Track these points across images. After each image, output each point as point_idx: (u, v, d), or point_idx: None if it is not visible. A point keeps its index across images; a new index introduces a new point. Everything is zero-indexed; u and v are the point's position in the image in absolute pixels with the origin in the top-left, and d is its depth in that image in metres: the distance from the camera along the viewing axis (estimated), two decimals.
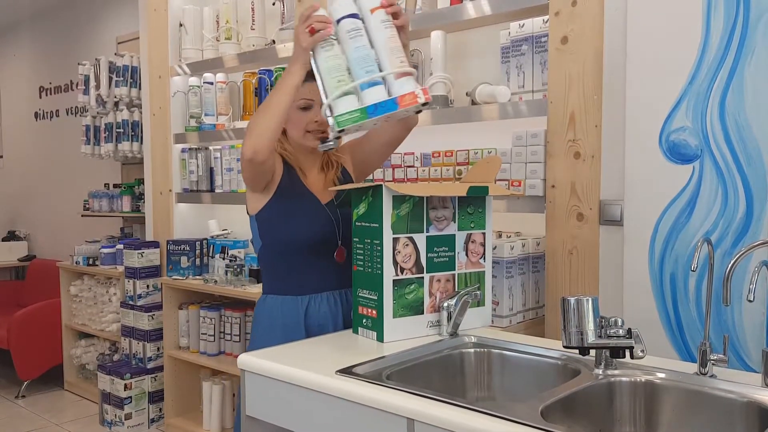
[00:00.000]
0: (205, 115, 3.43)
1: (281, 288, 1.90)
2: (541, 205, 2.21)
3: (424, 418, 1.24)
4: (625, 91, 2.00)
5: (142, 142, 4.21)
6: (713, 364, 1.39)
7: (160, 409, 3.70)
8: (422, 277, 1.76)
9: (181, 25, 3.58)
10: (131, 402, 3.63)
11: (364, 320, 1.75)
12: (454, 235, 1.81)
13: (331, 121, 1.59)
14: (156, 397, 3.69)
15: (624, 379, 1.45)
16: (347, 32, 1.62)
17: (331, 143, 1.75)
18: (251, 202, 1.93)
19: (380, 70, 1.61)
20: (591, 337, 1.44)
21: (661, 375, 1.44)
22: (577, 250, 2.13)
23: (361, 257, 1.76)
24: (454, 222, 1.81)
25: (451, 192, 1.81)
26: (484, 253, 1.87)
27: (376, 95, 1.58)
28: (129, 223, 4.71)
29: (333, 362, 1.50)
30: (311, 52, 1.65)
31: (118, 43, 4.95)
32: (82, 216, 4.97)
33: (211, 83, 3.39)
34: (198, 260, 3.48)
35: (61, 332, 4.39)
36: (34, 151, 6.14)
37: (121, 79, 4.25)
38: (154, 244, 3.72)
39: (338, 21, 1.63)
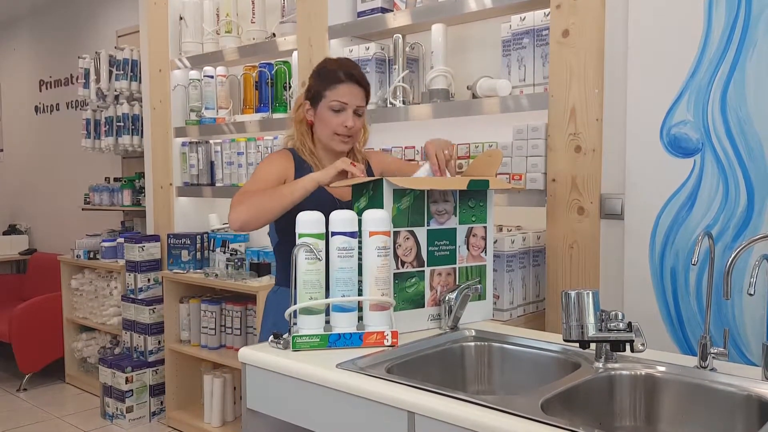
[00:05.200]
0: (206, 108, 3.43)
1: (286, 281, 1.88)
2: (542, 198, 2.21)
3: (424, 411, 1.25)
4: (626, 85, 1.99)
5: (142, 136, 4.21)
6: (713, 357, 1.39)
7: (161, 402, 3.71)
8: (423, 271, 1.76)
9: (181, 18, 3.57)
10: (132, 395, 3.64)
11: None
12: (455, 228, 1.81)
13: (286, 336, 1.58)
14: (157, 390, 3.70)
15: (624, 372, 1.45)
16: (338, 249, 1.58)
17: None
18: None
19: (359, 294, 1.61)
20: (591, 331, 1.44)
21: (662, 368, 1.44)
22: (578, 244, 2.13)
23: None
24: (455, 216, 1.81)
25: (451, 186, 1.81)
26: (485, 247, 1.87)
27: (344, 321, 1.59)
28: (130, 217, 4.71)
29: (333, 355, 1.50)
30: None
31: (118, 37, 4.94)
32: (82, 210, 4.96)
33: (212, 77, 3.39)
34: (199, 254, 3.48)
35: (62, 326, 4.39)
36: (35, 145, 6.13)
37: (121, 72, 4.24)
38: (155, 238, 3.72)
39: (333, 234, 1.59)
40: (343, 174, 1.77)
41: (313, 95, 1.94)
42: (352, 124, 1.91)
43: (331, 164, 1.93)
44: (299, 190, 1.76)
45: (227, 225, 3.52)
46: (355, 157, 2.02)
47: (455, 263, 1.82)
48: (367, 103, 1.97)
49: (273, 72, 3.18)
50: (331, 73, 1.92)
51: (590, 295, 1.44)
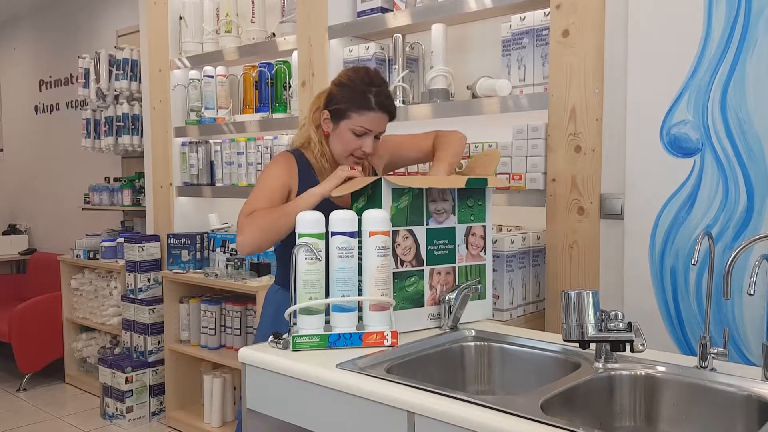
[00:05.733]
0: (206, 108, 3.43)
1: (286, 282, 1.88)
2: (542, 198, 2.21)
3: (424, 411, 1.25)
4: (626, 85, 1.99)
5: (142, 136, 4.20)
6: (713, 357, 1.39)
7: (161, 403, 3.70)
8: (422, 270, 1.76)
9: (181, 18, 3.57)
10: (132, 395, 3.63)
11: None
12: (454, 227, 1.81)
13: (286, 336, 1.58)
14: (157, 390, 3.70)
15: (624, 372, 1.45)
16: (338, 249, 1.58)
17: None
18: None
19: (359, 294, 1.61)
20: (591, 331, 1.44)
21: (661, 368, 1.44)
22: (578, 244, 2.13)
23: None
24: (454, 215, 1.81)
25: (449, 184, 1.81)
26: (484, 246, 1.87)
27: (344, 321, 1.58)
28: (129, 217, 4.71)
29: (333, 355, 1.50)
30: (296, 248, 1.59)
31: (118, 36, 4.94)
32: (82, 209, 4.96)
33: (212, 76, 3.39)
34: (198, 254, 3.48)
35: (62, 326, 4.39)
36: (35, 145, 6.13)
37: (121, 72, 4.24)
38: (155, 238, 3.72)
39: (333, 234, 1.58)
40: (345, 182, 1.75)
41: (337, 110, 1.85)
42: (370, 150, 1.86)
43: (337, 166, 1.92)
44: (302, 206, 1.73)
45: (227, 225, 3.54)
46: (363, 166, 1.95)
47: (454, 262, 1.81)
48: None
49: (273, 72, 3.17)
50: (363, 96, 1.82)
51: (590, 295, 1.44)
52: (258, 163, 3.19)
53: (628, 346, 1.43)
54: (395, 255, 1.70)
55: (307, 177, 1.90)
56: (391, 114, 1.88)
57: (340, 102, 1.84)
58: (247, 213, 1.80)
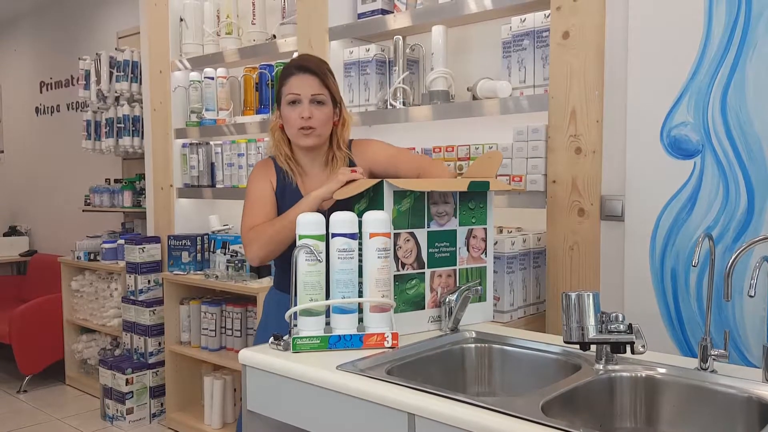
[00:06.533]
0: (206, 110, 3.43)
1: (285, 286, 1.89)
2: (542, 200, 2.21)
3: (425, 413, 1.25)
4: (626, 86, 1.99)
5: (142, 137, 4.21)
6: (714, 359, 1.39)
7: (162, 404, 3.70)
8: (423, 273, 1.76)
9: (181, 19, 3.57)
10: (133, 397, 3.64)
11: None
12: (456, 230, 1.81)
13: (286, 337, 1.58)
14: (157, 391, 3.70)
15: (624, 374, 1.45)
16: (338, 250, 1.58)
17: None
18: None
19: (360, 295, 1.61)
20: (592, 333, 1.44)
21: (662, 370, 1.44)
22: (578, 246, 2.13)
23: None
24: (456, 217, 1.81)
25: (452, 187, 1.81)
26: (485, 249, 1.87)
27: (344, 323, 1.58)
28: (130, 218, 4.71)
29: (334, 357, 1.50)
30: (295, 252, 1.58)
31: (119, 38, 4.94)
32: (83, 211, 4.97)
33: (212, 78, 3.39)
34: (199, 255, 3.48)
35: (63, 327, 4.39)
36: (35, 147, 6.13)
37: (122, 74, 4.24)
38: (155, 239, 3.72)
39: (333, 235, 1.58)
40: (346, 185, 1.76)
41: (276, 98, 1.96)
42: (308, 114, 1.86)
43: (310, 166, 1.96)
44: (304, 211, 1.72)
45: (228, 226, 3.54)
46: (335, 157, 1.95)
47: (455, 265, 1.81)
48: (331, 91, 1.91)
49: (273, 73, 3.18)
50: (285, 70, 1.93)
51: (590, 296, 1.44)
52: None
53: (628, 348, 1.43)
54: (396, 258, 1.70)
55: (283, 178, 1.95)
56: (317, 74, 1.89)
57: (276, 90, 1.96)
58: (249, 227, 1.86)
